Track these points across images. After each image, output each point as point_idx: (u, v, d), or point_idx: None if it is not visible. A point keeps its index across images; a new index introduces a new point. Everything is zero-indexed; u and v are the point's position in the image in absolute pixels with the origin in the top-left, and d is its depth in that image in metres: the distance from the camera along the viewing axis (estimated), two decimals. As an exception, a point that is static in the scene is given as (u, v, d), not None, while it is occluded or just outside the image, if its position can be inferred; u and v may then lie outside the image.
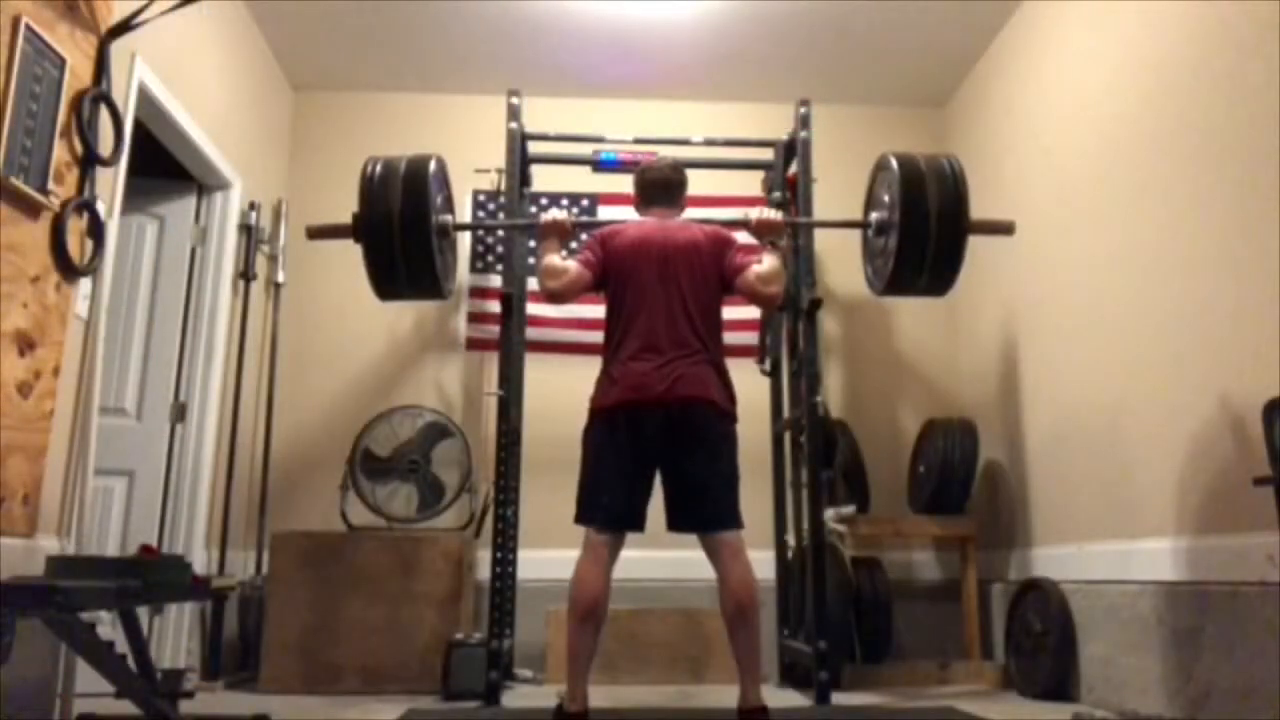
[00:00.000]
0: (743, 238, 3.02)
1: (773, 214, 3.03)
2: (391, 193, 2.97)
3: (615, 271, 2.87)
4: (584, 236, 3.56)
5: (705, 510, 2.69)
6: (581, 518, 2.71)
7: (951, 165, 3.04)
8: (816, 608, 3.40)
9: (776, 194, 4.18)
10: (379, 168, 3.03)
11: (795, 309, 3.81)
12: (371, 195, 2.99)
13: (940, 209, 2.97)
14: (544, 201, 4.47)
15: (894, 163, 3.05)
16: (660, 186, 3.05)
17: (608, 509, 2.68)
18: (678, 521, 2.71)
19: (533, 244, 4.44)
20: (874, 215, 3.18)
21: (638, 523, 2.70)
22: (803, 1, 4.01)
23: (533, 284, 4.36)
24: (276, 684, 3.55)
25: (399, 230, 2.96)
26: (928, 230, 2.97)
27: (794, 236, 3.77)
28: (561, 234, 3.01)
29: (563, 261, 2.90)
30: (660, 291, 2.80)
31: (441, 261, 3.10)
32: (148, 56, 3.17)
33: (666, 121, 4.62)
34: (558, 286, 2.86)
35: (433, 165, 3.05)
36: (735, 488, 2.73)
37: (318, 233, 3.15)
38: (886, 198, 3.12)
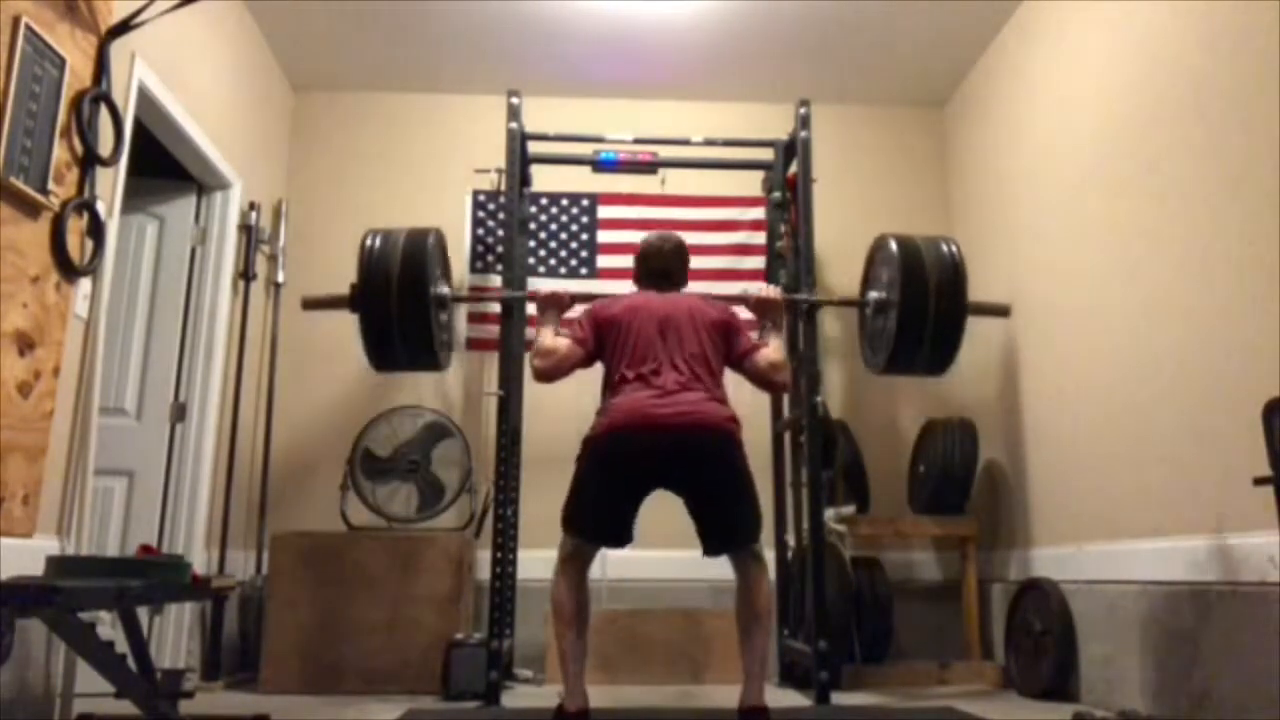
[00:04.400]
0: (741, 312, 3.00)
1: (771, 291, 3.01)
2: (390, 264, 2.93)
3: (611, 333, 2.79)
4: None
5: (737, 535, 2.70)
6: (570, 530, 2.71)
7: (950, 249, 3.07)
8: (816, 608, 3.40)
9: (776, 194, 4.18)
10: (377, 240, 3.00)
11: (795, 309, 3.80)
12: (370, 267, 2.94)
13: (939, 290, 3.00)
14: (544, 201, 4.47)
15: (893, 245, 3.06)
16: (660, 275, 2.99)
17: (595, 529, 2.71)
18: (713, 548, 2.72)
19: (533, 244, 4.44)
20: (872, 294, 3.17)
21: (626, 539, 2.73)
22: (803, 1, 4.01)
23: (533, 284, 4.36)
24: (276, 684, 3.54)
25: (396, 301, 2.91)
26: (926, 311, 2.99)
27: (794, 245, 3.76)
28: (559, 307, 2.96)
29: (553, 339, 2.84)
30: (660, 344, 2.74)
31: (439, 332, 3.06)
32: (148, 56, 3.17)
33: (666, 121, 4.62)
34: (545, 365, 2.78)
35: (431, 238, 3.02)
36: (757, 502, 2.74)
37: (313, 304, 3.12)
38: (885, 277, 3.11)
